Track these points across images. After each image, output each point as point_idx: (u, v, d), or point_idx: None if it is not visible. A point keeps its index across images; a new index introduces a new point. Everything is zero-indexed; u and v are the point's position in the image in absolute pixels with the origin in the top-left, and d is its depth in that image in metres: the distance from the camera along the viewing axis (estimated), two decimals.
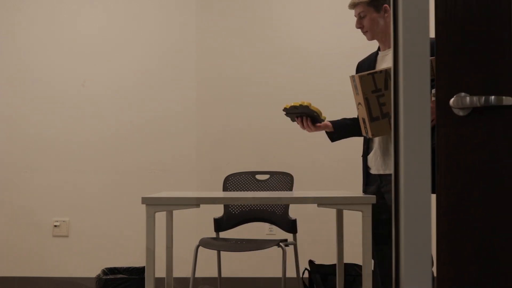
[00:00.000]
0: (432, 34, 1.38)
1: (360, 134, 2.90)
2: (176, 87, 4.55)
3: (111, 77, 4.56)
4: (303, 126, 3.00)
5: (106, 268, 4.12)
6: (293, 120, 3.04)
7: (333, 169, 4.45)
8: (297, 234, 3.68)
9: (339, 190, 3.90)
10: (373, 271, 2.84)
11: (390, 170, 2.82)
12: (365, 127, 2.74)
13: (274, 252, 4.08)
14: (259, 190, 3.84)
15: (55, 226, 4.49)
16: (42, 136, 4.53)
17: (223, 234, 3.81)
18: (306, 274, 3.94)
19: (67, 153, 4.52)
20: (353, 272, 3.82)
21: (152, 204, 2.68)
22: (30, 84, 4.55)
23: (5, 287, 4.46)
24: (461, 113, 1.41)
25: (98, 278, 4.02)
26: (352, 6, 2.94)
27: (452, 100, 1.41)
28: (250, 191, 3.83)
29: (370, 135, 2.75)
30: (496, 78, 1.41)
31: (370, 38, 2.96)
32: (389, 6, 2.89)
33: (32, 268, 4.47)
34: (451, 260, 1.36)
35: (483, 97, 1.39)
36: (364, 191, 3.02)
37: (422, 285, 1.34)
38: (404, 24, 1.36)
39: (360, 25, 2.93)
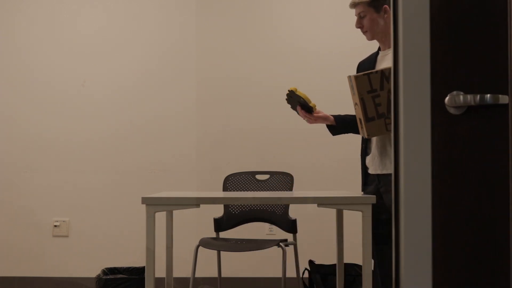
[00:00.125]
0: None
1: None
2: (176, 87, 4.55)
3: (111, 77, 4.56)
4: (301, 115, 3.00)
5: (106, 268, 4.12)
6: (293, 108, 3.03)
7: (333, 169, 4.45)
8: (297, 234, 3.68)
9: (339, 190, 3.90)
10: (373, 271, 2.84)
11: (388, 170, 2.84)
12: (362, 127, 2.75)
13: (274, 252, 4.08)
14: (259, 190, 3.84)
15: (55, 226, 4.49)
16: (42, 136, 4.53)
17: (223, 234, 3.81)
18: (306, 274, 3.94)
19: (67, 153, 4.52)
20: (353, 272, 3.82)
21: (152, 204, 2.68)
22: (30, 84, 4.55)
23: (5, 287, 4.46)
24: (455, 112, 1.39)
25: (98, 278, 4.02)
26: (353, 5, 2.95)
27: (446, 98, 1.38)
28: (250, 191, 3.83)
29: (365, 135, 2.76)
30: (491, 76, 1.39)
31: (370, 38, 2.97)
32: (389, 6, 2.89)
33: (32, 268, 4.47)
34: (444, 261, 1.36)
35: (478, 96, 1.36)
36: (363, 191, 3.02)
37: (422, 285, 1.34)
38: (404, 24, 1.36)
39: (360, 24, 2.94)
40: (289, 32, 4.56)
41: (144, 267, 4.03)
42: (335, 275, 3.32)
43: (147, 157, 4.51)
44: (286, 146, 4.50)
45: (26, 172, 4.51)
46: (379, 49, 3.02)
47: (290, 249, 3.71)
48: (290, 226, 3.70)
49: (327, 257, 3.98)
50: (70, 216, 4.50)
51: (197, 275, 3.95)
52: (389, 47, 2.95)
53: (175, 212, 3.48)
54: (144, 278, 3.48)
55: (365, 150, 2.99)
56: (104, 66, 4.56)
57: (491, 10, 1.38)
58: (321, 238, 4.36)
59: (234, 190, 3.83)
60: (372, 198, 2.68)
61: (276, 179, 3.85)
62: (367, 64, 3.01)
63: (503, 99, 1.36)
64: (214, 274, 4.00)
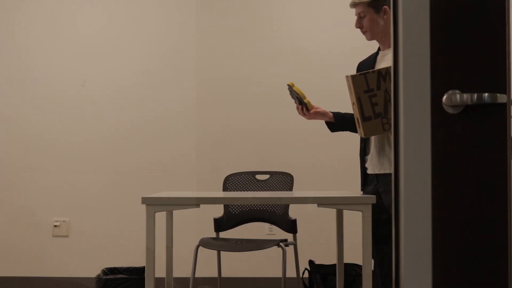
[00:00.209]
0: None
1: None
2: (176, 87, 4.55)
3: (111, 77, 4.56)
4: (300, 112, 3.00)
5: (106, 268, 4.12)
6: (295, 102, 3.03)
7: (333, 169, 4.45)
8: (297, 234, 3.68)
9: (339, 190, 3.90)
10: (373, 271, 2.84)
11: (386, 170, 2.84)
12: (359, 127, 2.76)
13: (274, 252, 4.08)
14: (259, 190, 3.84)
15: (55, 226, 4.49)
16: (42, 136, 4.53)
17: (223, 234, 3.81)
18: (306, 274, 3.94)
19: (67, 153, 4.52)
20: (353, 272, 3.82)
21: (152, 204, 2.68)
22: (30, 84, 4.55)
23: (5, 287, 4.46)
24: (453, 111, 1.37)
25: (98, 278, 4.02)
26: (353, 5, 2.95)
27: (443, 97, 1.37)
28: (250, 191, 3.83)
29: (362, 135, 2.77)
30: (489, 75, 1.38)
31: (370, 38, 2.97)
32: (389, 7, 2.89)
33: (32, 268, 4.47)
34: (444, 261, 1.36)
35: (476, 95, 1.34)
36: (362, 191, 3.02)
37: (422, 285, 1.34)
38: (404, 24, 1.36)
39: (359, 24, 2.95)
40: (289, 32, 4.56)
41: (144, 267, 4.03)
42: (335, 275, 3.32)
43: (147, 157, 4.51)
44: (286, 146, 4.50)
45: (26, 172, 4.51)
46: (378, 49, 3.03)
47: (290, 249, 3.71)
48: (290, 226, 3.70)
49: (327, 257, 3.98)
50: (70, 216, 4.50)
51: (197, 275, 3.95)
52: (388, 47, 2.95)
53: (175, 212, 3.48)
54: (144, 278, 3.48)
55: (363, 150, 3.00)
56: (104, 66, 4.56)
57: (489, 8, 1.37)
58: (321, 238, 4.36)
59: (234, 190, 3.83)
60: (372, 198, 2.68)
61: (276, 179, 3.85)
62: (367, 65, 3.01)
63: (502, 98, 1.35)
64: (214, 274, 4.00)
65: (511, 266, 1.38)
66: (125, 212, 4.47)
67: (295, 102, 3.03)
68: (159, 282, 3.67)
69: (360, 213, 2.68)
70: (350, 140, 3.39)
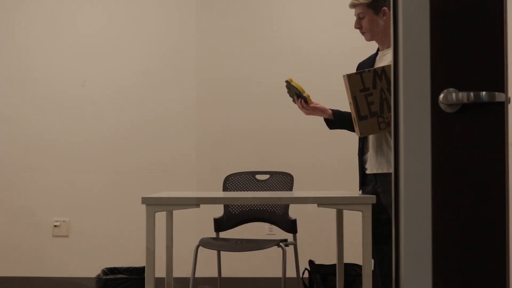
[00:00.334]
0: None
1: None
2: (176, 87, 4.55)
3: (111, 77, 4.56)
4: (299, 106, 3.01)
5: (106, 268, 4.12)
6: (293, 100, 3.05)
7: (333, 169, 4.45)
8: (297, 234, 3.68)
9: (339, 190, 3.90)
10: (373, 271, 2.84)
11: (384, 169, 2.84)
12: (356, 126, 2.77)
13: (274, 252, 4.08)
14: (259, 190, 3.84)
15: (55, 226, 4.49)
16: (42, 136, 4.53)
17: (223, 234, 3.81)
18: (306, 274, 3.94)
19: (67, 153, 4.52)
20: (353, 272, 3.82)
21: (152, 204, 2.68)
22: (30, 84, 4.55)
23: (5, 287, 4.46)
24: (449, 110, 1.36)
25: (98, 278, 4.02)
26: (352, 6, 2.96)
27: (440, 96, 1.36)
28: (250, 191, 3.83)
29: (358, 134, 2.78)
30: (487, 73, 1.36)
31: (369, 39, 2.99)
32: (388, 8, 2.91)
33: (32, 268, 4.47)
34: (444, 261, 1.36)
35: (473, 93, 1.33)
36: (361, 190, 3.03)
37: (422, 285, 1.34)
38: (404, 24, 1.36)
39: (359, 25, 2.96)
40: (289, 32, 4.56)
41: (144, 267, 4.03)
42: (335, 275, 3.32)
43: (147, 157, 4.51)
44: (286, 146, 4.50)
45: (26, 172, 4.51)
46: (378, 50, 3.03)
47: (290, 249, 3.71)
48: (290, 226, 3.70)
49: (327, 257, 3.98)
50: (70, 216, 4.50)
51: (197, 275, 3.95)
52: (387, 48, 2.96)
53: (175, 212, 3.48)
54: (144, 278, 3.48)
55: (362, 149, 3.00)
56: (104, 66, 4.56)
57: (487, 6, 1.36)
58: (321, 238, 4.36)
59: (234, 190, 3.83)
60: (372, 198, 2.69)
61: (276, 179, 3.85)
62: (366, 65, 3.02)
63: (500, 96, 1.34)
64: (214, 274, 4.00)
65: (509, 265, 1.38)
66: (125, 212, 4.47)
67: (293, 100, 3.04)
68: (159, 282, 3.67)
69: (360, 213, 2.68)
70: (350, 140, 3.39)
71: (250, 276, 4.44)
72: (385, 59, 2.91)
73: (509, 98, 1.39)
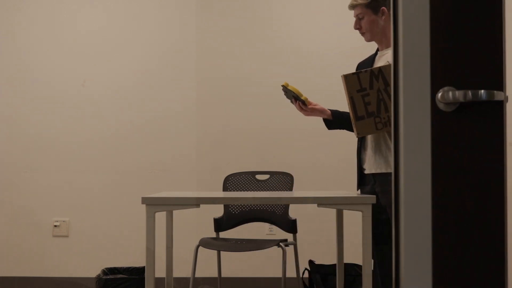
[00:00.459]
0: None
1: None
2: (176, 87, 4.55)
3: (111, 77, 4.56)
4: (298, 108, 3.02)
5: (106, 268, 4.12)
6: (291, 102, 3.06)
7: (333, 169, 4.45)
8: (297, 234, 3.68)
9: (339, 190, 3.90)
10: (373, 271, 2.85)
11: (382, 169, 2.85)
12: (353, 126, 2.78)
13: (274, 252, 4.08)
14: (259, 190, 3.84)
15: (55, 226, 4.49)
16: (42, 136, 4.53)
17: (223, 234, 3.81)
18: (306, 274, 3.94)
19: (67, 153, 4.52)
20: (353, 272, 3.82)
21: (152, 204, 2.68)
22: (30, 84, 4.55)
23: (5, 287, 4.46)
24: (447, 109, 1.35)
25: (98, 278, 4.02)
26: (351, 7, 2.98)
27: (437, 94, 1.35)
28: (250, 191, 3.83)
29: (355, 134, 2.79)
30: (484, 72, 1.35)
31: (368, 39, 3.00)
32: (387, 8, 2.91)
33: (32, 268, 4.47)
34: (444, 261, 1.36)
35: (471, 92, 1.32)
36: (359, 190, 3.03)
37: (422, 285, 1.34)
38: (404, 24, 1.35)
39: (358, 26, 2.97)
40: (289, 32, 4.56)
41: (144, 267, 4.03)
42: (335, 275, 3.32)
43: (147, 157, 4.51)
44: (286, 146, 4.50)
45: (26, 172, 4.51)
46: (377, 50, 3.04)
47: (290, 249, 3.71)
48: (290, 226, 3.70)
49: (327, 257, 3.98)
50: (70, 216, 4.50)
51: (197, 275, 3.95)
52: (386, 48, 2.97)
53: (175, 212, 3.48)
54: (144, 278, 3.48)
55: (360, 149, 3.01)
56: (104, 66, 4.56)
57: (486, 4, 1.36)
58: (321, 238, 4.36)
59: (234, 190, 3.83)
60: (372, 198, 2.69)
61: (276, 179, 3.85)
62: (366, 65, 3.04)
63: (499, 95, 1.32)
64: (214, 274, 4.00)
65: (508, 265, 1.38)
66: (125, 212, 4.47)
67: (291, 102, 3.05)
68: (159, 282, 3.67)
69: (360, 213, 2.68)
70: (350, 140, 3.39)
71: (250, 276, 4.44)
72: (383, 59, 2.92)
73: (507, 96, 1.38)
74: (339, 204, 2.80)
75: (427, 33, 1.35)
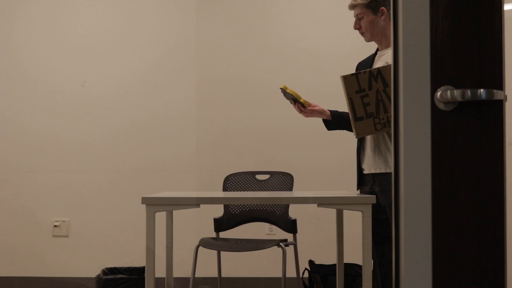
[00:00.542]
0: None
1: None
2: (176, 87, 4.55)
3: (111, 77, 4.56)
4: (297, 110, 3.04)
5: (106, 268, 4.12)
6: (291, 103, 3.07)
7: (333, 169, 4.45)
8: (297, 234, 3.68)
9: (339, 190, 3.90)
10: (373, 271, 2.85)
11: (381, 169, 2.85)
12: (352, 127, 2.80)
13: (274, 252, 4.08)
14: (259, 190, 3.84)
15: (55, 226, 4.49)
16: (42, 136, 4.53)
17: (223, 234, 3.81)
18: (306, 274, 3.94)
19: (67, 153, 4.52)
20: (353, 272, 3.82)
21: (152, 204, 2.68)
22: (30, 84, 4.55)
23: (5, 287, 4.46)
24: (446, 108, 1.33)
25: (98, 278, 4.02)
26: (351, 7, 2.99)
27: (436, 94, 1.34)
28: (250, 191, 3.83)
29: (355, 135, 2.79)
30: (484, 70, 1.34)
31: (368, 39, 3.00)
32: (387, 8, 2.92)
33: (32, 268, 4.47)
34: (444, 261, 1.36)
35: (471, 91, 1.30)
36: (358, 190, 3.04)
37: (422, 285, 1.34)
38: (404, 23, 1.35)
39: (358, 26, 2.98)
40: (289, 32, 4.56)
41: (144, 267, 4.02)
42: (335, 275, 3.32)
43: (147, 157, 4.51)
44: (286, 146, 4.49)
45: (26, 172, 4.51)
46: (377, 50, 3.04)
47: (290, 249, 3.71)
48: (290, 226, 3.70)
49: (327, 257, 3.98)
50: (70, 216, 4.50)
51: (197, 275, 3.95)
52: (386, 48, 2.97)
53: (175, 212, 3.48)
54: (144, 278, 3.48)
55: (359, 149, 3.02)
56: (104, 66, 4.56)
57: (486, 2, 1.35)
58: (321, 238, 4.36)
59: (234, 190, 3.83)
60: (372, 198, 2.69)
61: (276, 179, 3.85)
62: (365, 65, 3.05)
63: (498, 94, 1.31)
64: (214, 274, 4.00)
65: (507, 264, 1.38)
66: (125, 212, 4.47)
67: (291, 102, 3.06)
68: (159, 282, 3.67)
69: (360, 213, 2.68)
70: (350, 140, 3.39)
71: (250, 276, 4.44)
72: (383, 59, 2.93)
73: (506, 95, 1.37)
74: (339, 204, 2.80)
75: (427, 31, 1.34)
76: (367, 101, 2.72)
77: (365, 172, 2.97)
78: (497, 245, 1.34)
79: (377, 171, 2.86)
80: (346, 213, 3.27)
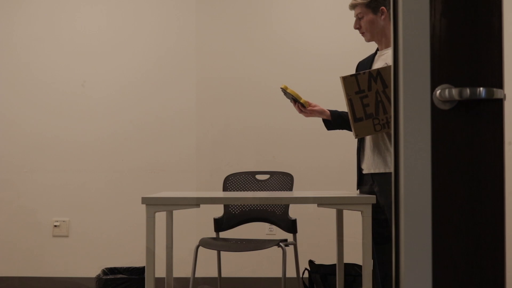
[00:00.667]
0: None
1: None
2: (176, 87, 4.55)
3: (111, 77, 4.56)
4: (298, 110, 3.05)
5: (106, 268, 4.12)
6: (291, 102, 3.08)
7: (333, 169, 4.45)
8: (297, 234, 3.68)
9: (339, 190, 3.90)
10: (372, 271, 2.85)
11: (380, 169, 2.85)
12: (351, 127, 2.80)
13: (274, 252, 4.08)
14: (259, 190, 3.84)
15: (55, 226, 4.49)
16: (42, 136, 4.53)
17: (223, 234, 3.81)
18: (306, 274, 3.94)
19: (67, 153, 4.52)
20: (353, 272, 3.82)
21: (152, 204, 2.68)
22: (30, 84, 4.55)
23: (5, 287, 4.46)
24: (444, 107, 1.32)
25: (98, 278, 4.02)
26: (352, 7, 2.99)
27: (434, 92, 1.32)
28: (250, 191, 3.83)
29: (354, 136, 2.80)
30: (483, 69, 1.32)
31: (368, 39, 3.01)
32: (387, 8, 2.92)
33: (32, 268, 4.47)
34: (444, 261, 1.36)
35: (470, 89, 1.29)
36: (358, 190, 3.04)
37: (422, 285, 1.34)
38: (404, 21, 1.35)
39: (358, 25, 2.98)
40: (289, 32, 4.56)
41: (144, 267, 4.03)
42: (335, 275, 3.32)
43: (147, 157, 4.51)
44: (286, 146, 4.49)
45: (26, 172, 4.51)
46: (377, 49, 3.05)
47: (290, 249, 3.71)
48: (290, 226, 3.70)
49: (327, 257, 3.98)
50: (70, 216, 4.50)
51: (197, 275, 3.95)
52: (386, 47, 2.98)
53: (175, 212, 3.48)
54: (144, 278, 3.48)
55: (359, 149, 3.02)
56: (104, 66, 4.56)
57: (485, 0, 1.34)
58: (321, 238, 4.36)
59: (234, 190, 3.83)
60: (372, 198, 2.69)
61: (276, 179, 3.85)
62: (365, 64, 3.05)
63: (498, 93, 1.30)
64: (214, 274, 4.00)
65: (507, 264, 1.38)
66: (125, 212, 4.47)
67: (291, 101, 3.07)
68: (159, 282, 3.67)
69: (360, 213, 2.68)
70: (350, 140, 3.39)
71: (250, 276, 4.44)
72: (382, 59, 2.93)
73: (505, 94, 1.36)
74: (339, 204, 2.80)
75: (426, 30, 1.34)
76: (367, 102, 2.72)
77: (364, 172, 2.97)
78: (497, 245, 1.34)
79: (376, 171, 2.86)
80: (346, 213, 3.27)
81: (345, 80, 2.73)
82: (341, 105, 3.03)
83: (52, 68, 4.55)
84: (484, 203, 1.35)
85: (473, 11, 1.35)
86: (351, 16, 3.03)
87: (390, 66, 2.40)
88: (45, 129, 4.53)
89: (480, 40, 1.34)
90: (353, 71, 3.10)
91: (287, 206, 3.77)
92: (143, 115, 4.53)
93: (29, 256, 4.48)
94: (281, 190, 3.79)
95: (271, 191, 3.78)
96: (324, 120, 3.08)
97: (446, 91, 1.31)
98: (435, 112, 1.33)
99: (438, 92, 1.32)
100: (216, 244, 3.55)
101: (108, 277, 4.00)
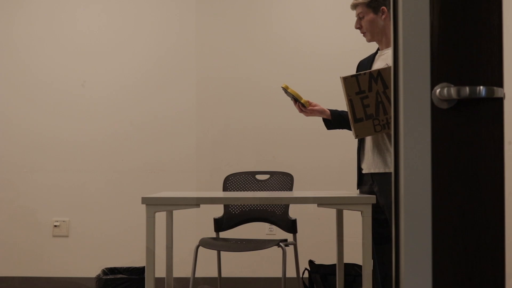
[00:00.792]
0: None
1: None
2: (176, 87, 4.55)
3: (111, 77, 4.56)
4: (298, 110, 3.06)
5: (106, 268, 4.12)
6: (291, 100, 3.08)
7: (333, 169, 4.45)
8: (297, 234, 3.68)
9: (339, 190, 3.90)
10: (372, 271, 2.85)
11: (380, 169, 2.85)
12: (351, 128, 2.80)
13: (274, 252, 4.08)
14: (259, 190, 3.84)
15: (55, 226, 4.48)
16: (42, 136, 4.52)
17: (223, 234, 3.81)
18: (306, 274, 3.94)
19: (67, 153, 4.52)
20: (353, 272, 3.82)
21: (152, 204, 2.68)
22: (30, 84, 4.55)
23: (5, 287, 4.46)
24: (444, 106, 1.31)
25: (98, 278, 4.01)
26: (353, 6, 3.00)
27: (434, 91, 1.32)
28: (250, 191, 3.83)
29: (354, 136, 2.80)
30: (483, 67, 1.32)
31: (369, 39, 3.01)
32: (387, 8, 2.93)
33: (32, 268, 4.47)
34: (444, 261, 1.35)
35: (469, 88, 1.28)
36: (358, 189, 3.04)
37: (422, 285, 1.33)
38: (404, 19, 1.35)
39: (359, 25, 2.99)
40: (289, 32, 4.56)
41: (144, 267, 4.02)
42: (335, 275, 3.32)
43: (147, 157, 4.51)
44: (286, 146, 4.49)
45: (26, 172, 4.51)
46: (378, 49, 3.05)
47: (290, 249, 3.71)
48: (290, 226, 3.70)
49: (327, 257, 3.98)
50: (70, 216, 4.50)
51: (197, 275, 3.95)
52: (386, 47, 2.98)
53: (175, 212, 3.48)
54: (144, 278, 3.48)
55: (359, 149, 3.02)
56: (104, 66, 4.56)
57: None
58: (321, 238, 4.36)
59: (234, 190, 3.83)
60: (372, 198, 2.69)
61: (276, 179, 3.84)
62: (366, 64, 3.06)
63: (499, 92, 1.29)
64: (214, 274, 4.00)
65: (506, 264, 1.38)
66: (125, 212, 4.47)
67: (292, 100, 3.08)
68: (159, 282, 3.66)
69: (360, 213, 2.68)
70: (351, 140, 3.39)
71: (250, 276, 4.44)
72: (382, 59, 2.93)
73: (504, 93, 1.35)
74: (339, 204, 2.80)
75: (426, 28, 1.34)
76: (367, 103, 2.72)
77: (364, 171, 2.98)
78: (497, 245, 1.34)
79: (376, 170, 2.87)
80: (346, 213, 3.27)
81: (346, 80, 2.73)
82: (341, 105, 3.03)
83: (52, 68, 4.55)
84: (484, 203, 1.34)
85: (473, 9, 1.34)
86: (351, 16, 3.03)
87: (390, 66, 2.41)
88: (45, 129, 4.52)
89: (479, 39, 1.33)
90: (354, 71, 3.10)
91: (287, 206, 3.77)
92: (143, 115, 4.53)
93: (29, 256, 4.48)
94: (281, 190, 3.78)
95: (271, 191, 3.77)
96: (324, 120, 3.08)
97: (445, 90, 1.30)
98: (435, 111, 1.33)
99: (437, 90, 1.32)
100: (216, 244, 3.55)
101: (108, 277, 4.00)
